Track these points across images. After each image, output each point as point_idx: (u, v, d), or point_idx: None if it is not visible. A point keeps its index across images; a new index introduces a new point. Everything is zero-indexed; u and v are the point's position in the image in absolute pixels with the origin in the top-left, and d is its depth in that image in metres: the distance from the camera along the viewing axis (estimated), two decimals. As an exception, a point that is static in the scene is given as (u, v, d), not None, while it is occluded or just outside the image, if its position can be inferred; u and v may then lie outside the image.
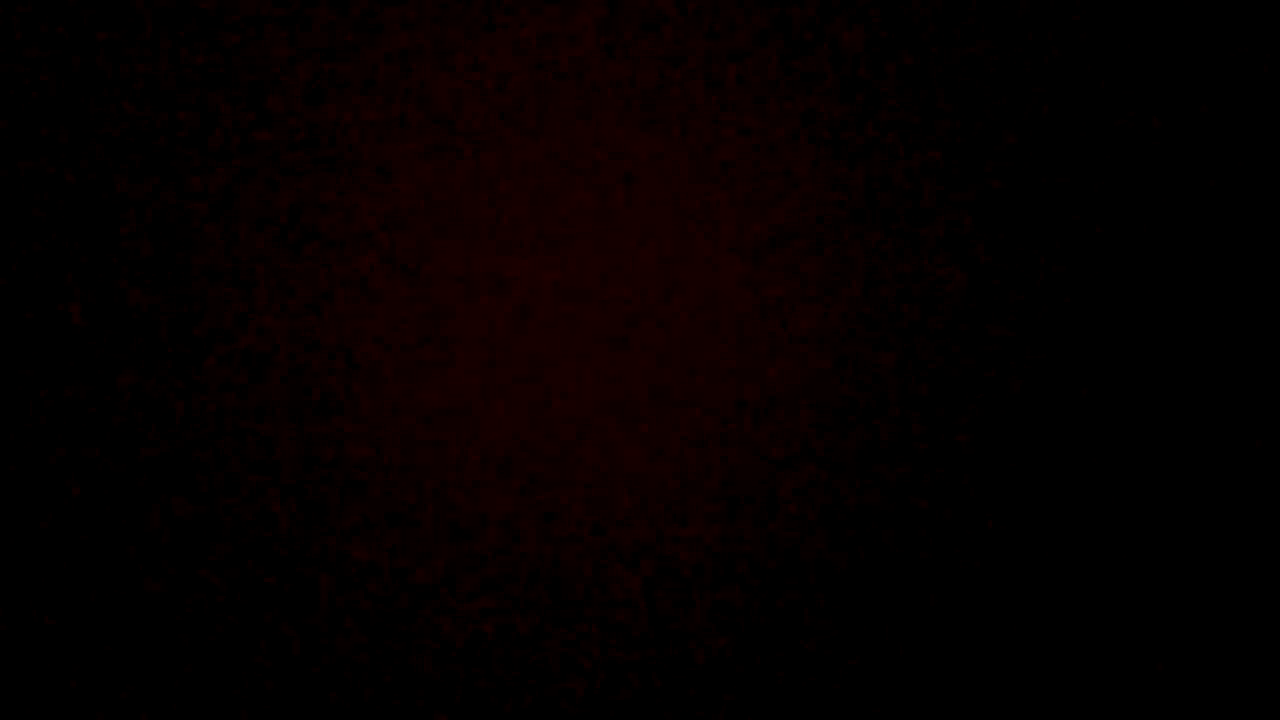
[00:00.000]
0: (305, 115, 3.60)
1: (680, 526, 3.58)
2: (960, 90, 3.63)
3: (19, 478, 3.54)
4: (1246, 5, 3.62)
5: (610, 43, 3.61)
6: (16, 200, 3.56)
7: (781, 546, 3.58)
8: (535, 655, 3.57)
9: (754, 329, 3.60)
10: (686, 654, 3.57)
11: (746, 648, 3.57)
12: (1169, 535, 3.59)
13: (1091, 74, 3.64)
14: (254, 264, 3.58)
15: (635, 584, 3.58)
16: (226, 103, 3.60)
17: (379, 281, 3.59)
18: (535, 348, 3.59)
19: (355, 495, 3.57)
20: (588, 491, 3.58)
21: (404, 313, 3.59)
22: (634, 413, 3.59)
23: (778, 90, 3.63)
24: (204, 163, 3.59)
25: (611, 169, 3.61)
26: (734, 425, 3.59)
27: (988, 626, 3.58)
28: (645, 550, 3.58)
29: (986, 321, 3.61)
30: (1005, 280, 3.62)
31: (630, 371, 3.60)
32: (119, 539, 3.55)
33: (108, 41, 3.58)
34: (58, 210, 3.57)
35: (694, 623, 3.58)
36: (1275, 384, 3.60)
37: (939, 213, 3.61)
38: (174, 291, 3.57)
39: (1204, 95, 3.63)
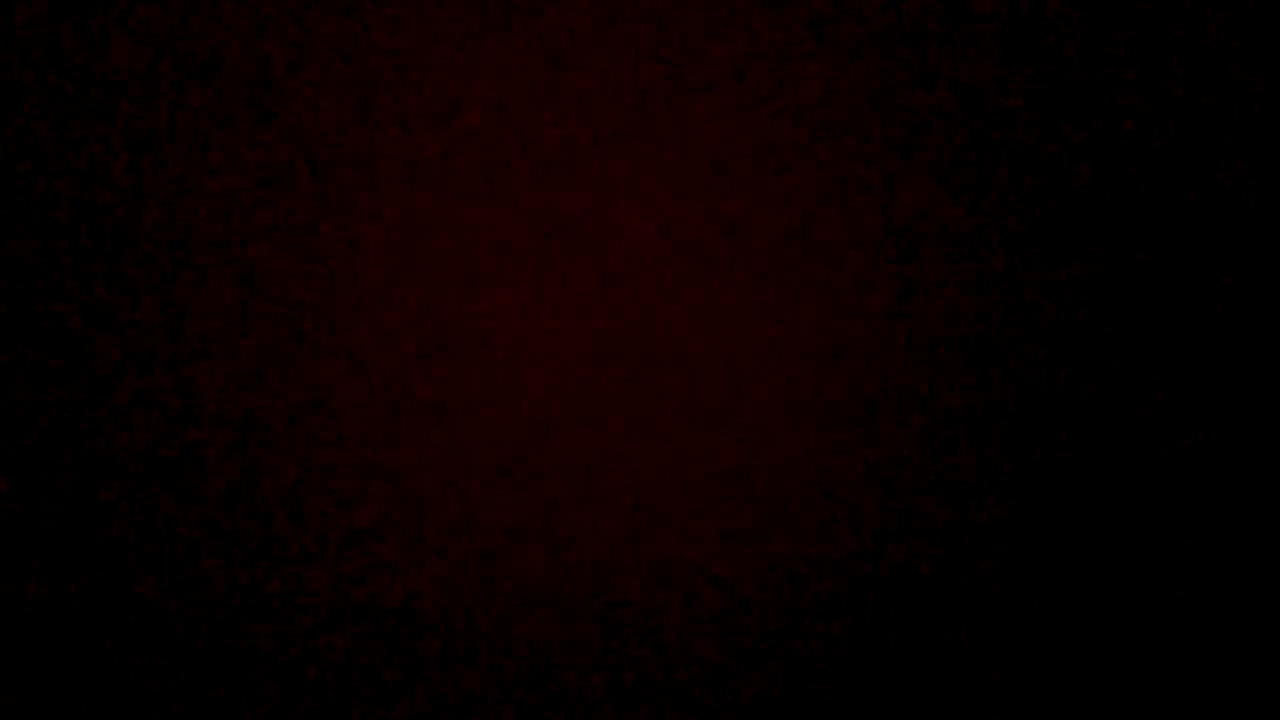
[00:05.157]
0: (305, 115, 3.60)
1: (681, 528, 3.59)
2: (962, 91, 3.63)
3: (18, 478, 3.54)
4: (1246, 5, 3.63)
5: (612, 43, 3.61)
6: (16, 200, 3.56)
7: (783, 549, 3.59)
8: (536, 657, 3.57)
9: (755, 331, 3.60)
10: (687, 656, 3.58)
11: (747, 650, 3.58)
12: (1172, 537, 3.60)
13: (1092, 74, 3.64)
14: (254, 264, 3.58)
15: (637, 587, 3.58)
16: (227, 102, 3.60)
17: (379, 283, 3.59)
18: (536, 349, 3.59)
19: (354, 496, 3.57)
20: (589, 493, 3.58)
21: (403, 314, 3.59)
22: (635, 414, 3.59)
23: (780, 91, 3.63)
24: (204, 163, 3.59)
25: (613, 170, 3.62)
26: (734, 427, 3.60)
27: (990, 628, 3.58)
28: (647, 552, 3.59)
29: (990, 323, 3.61)
30: (1007, 281, 3.62)
31: (632, 372, 3.60)
32: (118, 538, 3.55)
33: (107, 41, 3.58)
34: (58, 210, 3.57)
35: (695, 625, 3.58)
36: (1276, 384, 3.61)
37: (941, 214, 3.62)
38: (174, 291, 3.57)
39: (1204, 95, 3.64)
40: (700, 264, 3.61)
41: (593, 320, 3.60)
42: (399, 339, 3.59)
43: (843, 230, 3.62)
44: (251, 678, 3.54)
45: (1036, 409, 3.61)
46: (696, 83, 3.62)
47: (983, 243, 3.62)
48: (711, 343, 3.60)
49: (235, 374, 3.57)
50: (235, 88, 3.60)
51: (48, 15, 3.56)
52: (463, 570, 3.57)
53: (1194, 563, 3.59)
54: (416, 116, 3.61)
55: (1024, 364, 3.61)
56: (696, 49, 3.62)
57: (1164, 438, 3.61)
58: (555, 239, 3.60)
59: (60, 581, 3.54)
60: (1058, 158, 3.63)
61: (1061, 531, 3.60)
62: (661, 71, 3.62)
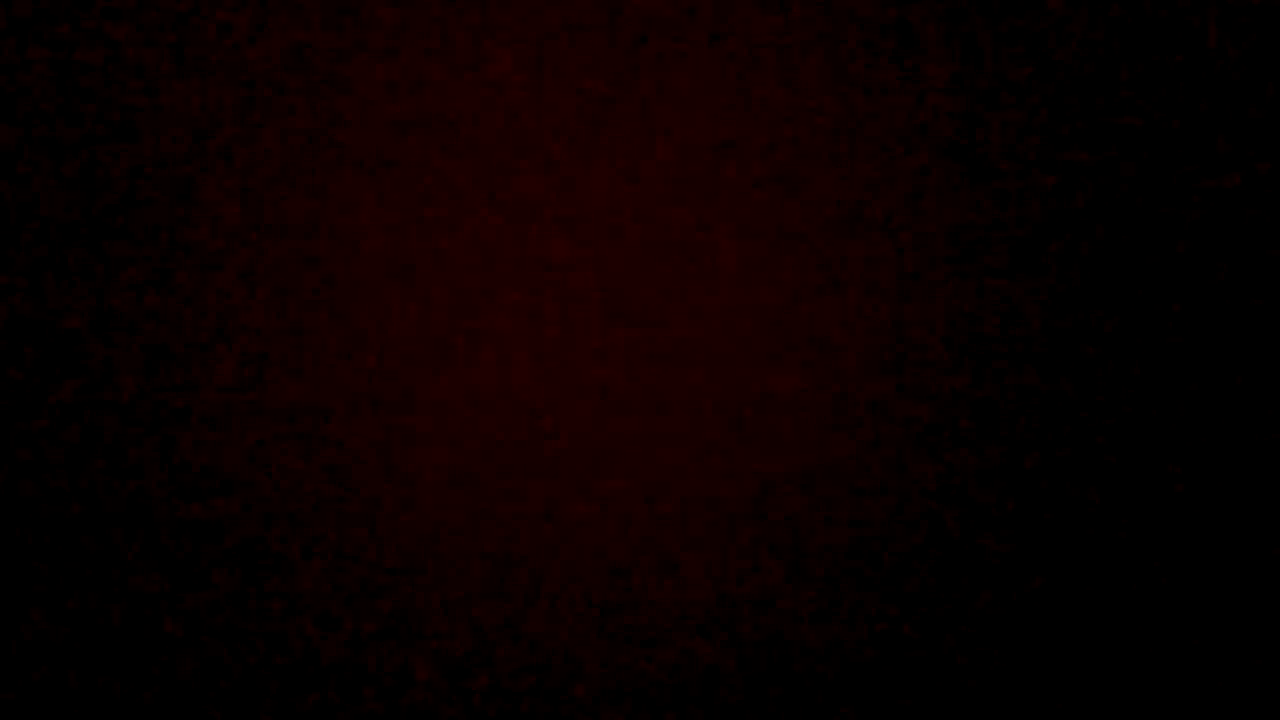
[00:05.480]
0: (306, 115, 3.60)
1: (681, 528, 3.59)
2: (962, 91, 3.63)
3: (18, 478, 3.54)
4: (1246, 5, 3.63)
5: (616, 44, 3.61)
6: (15, 201, 3.56)
7: (784, 550, 3.59)
8: (536, 657, 3.57)
9: (754, 331, 3.60)
10: (689, 656, 3.57)
11: (748, 651, 3.58)
12: (1172, 537, 3.60)
13: (1093, 74, 3.64)
14: (255, 264, 3.58)
15: (637, 587, 3.58)
16: (227, 103, 3.60)
17: (381, 284, 3.59)
18: (538, 350, 3.59)
19: (355, 497, 3.57)
20: (590, 494, 3.58)
21: (405, 315, 3.59)
22: (637, 415, 3.59)
23: (783, 91, 3.63)
24: (205, 163, 3.59)
25: (616, 171, 3.62)
26: (735, 428, 3.60)
27: (990, 628, 3.58)
28: (647, 553, 3.58)
29: (993, 325, 3.62)
30: (1009, 283, 3.62)
31: (634, 373, 3.60)
32: (118, 539, 3.55)
33: (107, 41, 3.58)
34: (58, 210, 3.57)
35: (695, 625, 3.58)
36: (1275, 384, 3.61)
37: (943, 215, 3.62)
38: (173, 292, 3.57)
39: (1204, 95, 3.64)
40: (700, 263, 3.61)
41: (592, 320, 3.60)
42: (399, 339, 3.59)
43: (843, 230, 3.62)
44: (251, 678, 3.54)
45: (1036, 409, 3.61)
46: (698, 83, 3.62)
47: (983, 243, 3.62)
48: (712, 342, 3.60)
49: (235, 374, 3.57)
50: (235, 87, 3.60)
51: (47, 15, 3.56)
52: (463, 570, 3.57)
53: (1194, 563, 3.59)
54: (417, 116, 3.61)
55: (1024, 364, 3.61)
56: (697, 48, 3.63)
57: (1164, 438, 3.61)
58: (556, 239, 3.60)
59: (60, 581, 3.53)
60: (1058, 158, 3.63)
61: (1062, 531, 3.60)
62: (663, 71, 3.62)
